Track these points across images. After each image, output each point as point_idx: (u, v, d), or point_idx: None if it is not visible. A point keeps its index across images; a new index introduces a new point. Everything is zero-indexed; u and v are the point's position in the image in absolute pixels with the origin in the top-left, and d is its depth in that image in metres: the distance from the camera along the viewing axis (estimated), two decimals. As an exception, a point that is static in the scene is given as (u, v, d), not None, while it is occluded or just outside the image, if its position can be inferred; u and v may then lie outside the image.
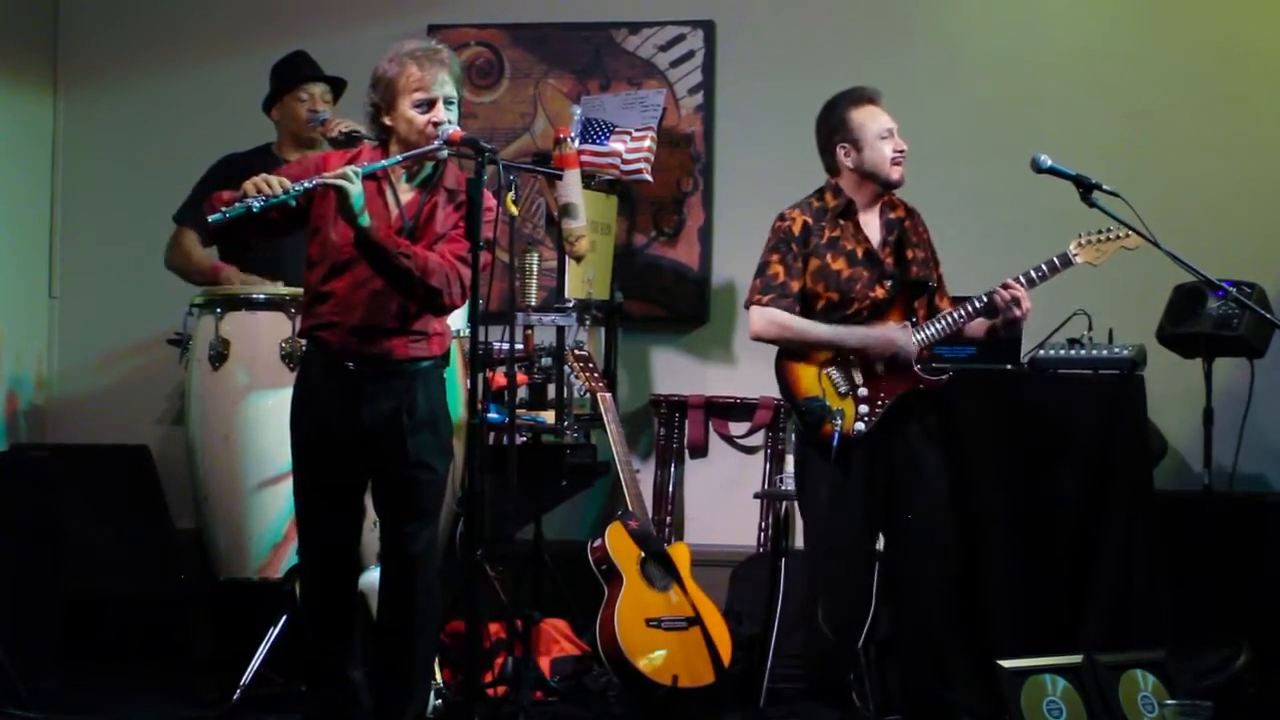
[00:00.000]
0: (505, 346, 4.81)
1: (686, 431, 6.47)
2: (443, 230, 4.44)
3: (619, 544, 5.37)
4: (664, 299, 6.54)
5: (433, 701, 4.87)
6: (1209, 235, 5.87)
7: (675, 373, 6.54)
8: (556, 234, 5.95)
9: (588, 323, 6.17)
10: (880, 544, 4.98)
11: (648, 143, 6.17)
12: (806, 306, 4.92)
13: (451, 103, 4.43)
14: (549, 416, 5.85)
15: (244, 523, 5.27)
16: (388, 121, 4.44)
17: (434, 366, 4.50)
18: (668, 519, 6.39)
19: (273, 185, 4.23)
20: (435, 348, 4.50)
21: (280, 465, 4.92)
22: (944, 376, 4.94)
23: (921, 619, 4.89)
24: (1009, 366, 5.48)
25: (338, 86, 5.75)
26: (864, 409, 4.86)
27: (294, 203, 4.29)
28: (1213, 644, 5.21)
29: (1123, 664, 4.81)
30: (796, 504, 5.20)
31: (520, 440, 5.69)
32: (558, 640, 5.68)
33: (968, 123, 6.30)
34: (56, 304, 6.86)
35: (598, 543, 5.38)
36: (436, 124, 4.38)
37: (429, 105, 4.40)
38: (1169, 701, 4.69)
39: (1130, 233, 4.68)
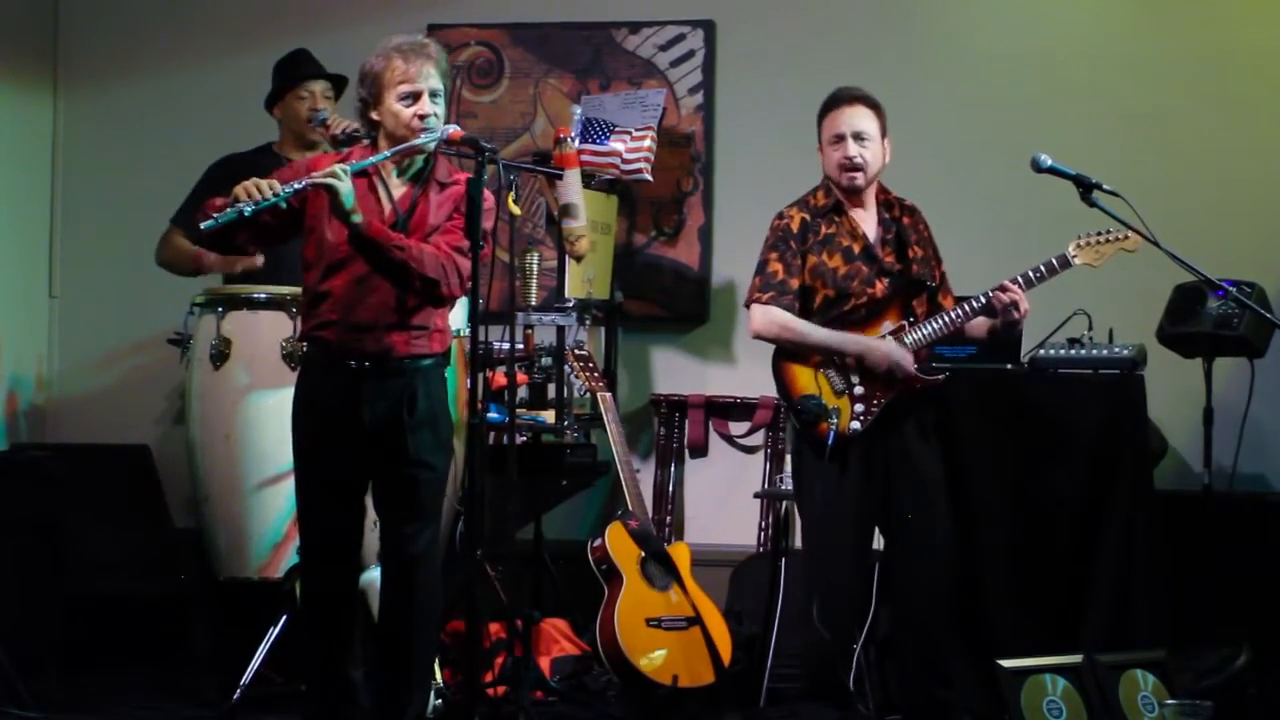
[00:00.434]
0: (505, 346, 4.82)
1: (686, 431, 6.47)
2: (436, 222, 4.44)
3: (619, 544, 5.37)
4: (664, 299, 6.54)
5: (433, 701, 4.87)
6: (1209, 235, 5.87)
7: (675, 373, 6.54)
8: (556, 234, 5.95)
9: (588, 322, 6.17)
10: (879, 544, 4.99)
11: (648, 142, 6.17)
12: (805, 303, 4.93)
13: (438, 95, 4.43)
14: (549, 416, 5.85)
15: (244, 522, 5.27)
16: (375, 116, 4.45)
17: (434, 365, 4.51)
18: (668, 519, 6.39)
19: (263, 189, 4.24)
20: (436, 345, 4.50)
21: (281, 465, 4.91)
22: (941, 376, 4.95)
23: (920, 619, 4.90)
24: (1009, 366, 5.48)
25: (339, 84, 5.75)
26: (859, 408, 4.87)
27: (285, 205, 4.29)
28: (1213, 644, 5.21)
29: (1123, 664, 4.81)
30: (795, 503, 5.21)
31: (520, 440, 5.69)
32: (558, 640, 5.68)
33: (968, 123, 6.30)
34: (56, 304, 6.86)
35: (598, 543, 5.38)
36: (422, 116, 4.39)
37: (414, 98, 4.40)
38: (1169, 701, 4.69)
39: (1130, 234, 4.68)
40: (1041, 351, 5.45)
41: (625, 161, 6.13)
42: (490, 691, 5.00)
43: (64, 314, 6.86)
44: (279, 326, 5.29)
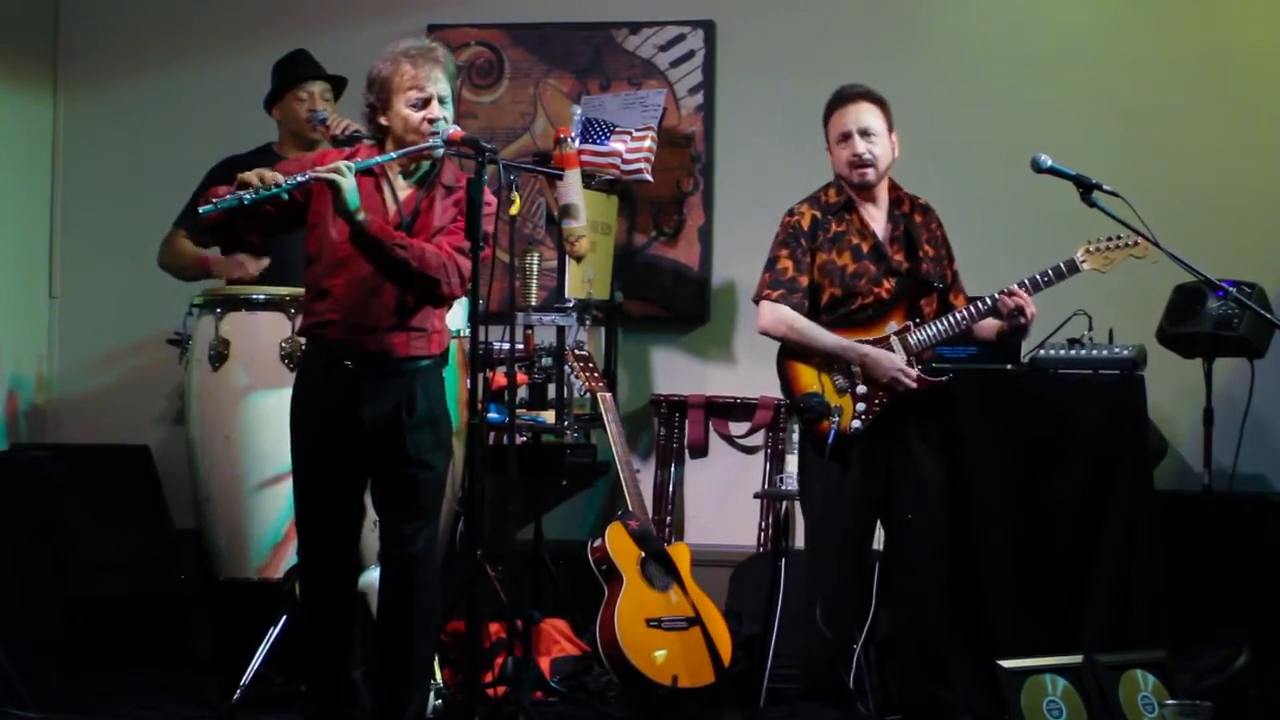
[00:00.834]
0: (505, 346, 4.82)
1: (686, 431, 6.47)
2: (440, 225, 4.44)
3: (619, 544, 5.37)
4: (664, 299, 6.54)
5: (433, 701, 4.87)
6: (1209, 235, 5.87)
7: (675, 373, 6.53)
8: (556, 234, 5.96)
9: (588, 323, 6.17)
10: (880, 543, 4.99)
11: (648, 143, 6.17)
12: (813, 300, 4.94)
13: (446, 100, 4.45)
14: (549, 416, 5.85)
15: (244, 523, 5.27)
16: (384, 121, 4.45)
17: (433, 365, 4.51)
18: (668, 519, 6.39)
19: (265, 179, 4.25)
20: (434, 346, 4.51)
21: (280, 465, 4.91)
22: (944, 378, 4.95)
23: (921, 619, 4.90)
24: (1009, 366, 5.48)
25: (338, 85, 5.75)
26: (861, 407, 4.87)
27: (287, 196, 4.30)
28: (1213, 644, 5.21)
29: (1123, 664, 4.81)
30: (797, 503, 5.21)
31: (520, 440, 5.69)
32: (558, 640, 5.68)
33: (967, 123, 6.30)
34: (56, 304, 6.86)
35: (598, 543, 5.39)
36: (431, 121, 4.40)
37: (424, 103, 4.41)
38: (1169, 701, 4.69)
39: (1140, 240, 4.65)
40: (1042, 352, 5.45)
41: (625, 162, 6.13)
42: (490, 691, 5.00)
43: (64, 314, 6.86)
44: (278, 327, 5.29)
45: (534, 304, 5.93)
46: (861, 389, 4.87)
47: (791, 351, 4.96)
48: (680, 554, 5.48)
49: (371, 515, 4.57)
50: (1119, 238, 4.80)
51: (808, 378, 4.92)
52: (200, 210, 4.31)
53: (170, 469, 6.22)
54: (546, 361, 5.89)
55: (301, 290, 4.65)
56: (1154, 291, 5.62)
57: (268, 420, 5.10)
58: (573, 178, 5.85)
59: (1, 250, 6.60)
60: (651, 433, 6.51)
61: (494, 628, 5.38)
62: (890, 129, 4.96)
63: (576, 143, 6.04)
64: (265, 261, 5.50)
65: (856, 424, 4.86)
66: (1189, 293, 5.54)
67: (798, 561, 5.41)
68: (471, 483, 4.48)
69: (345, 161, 4.35)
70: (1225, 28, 6.24)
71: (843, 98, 4.97)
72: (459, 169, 4.58)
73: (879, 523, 4.94)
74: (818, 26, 6.46)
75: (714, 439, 6.51)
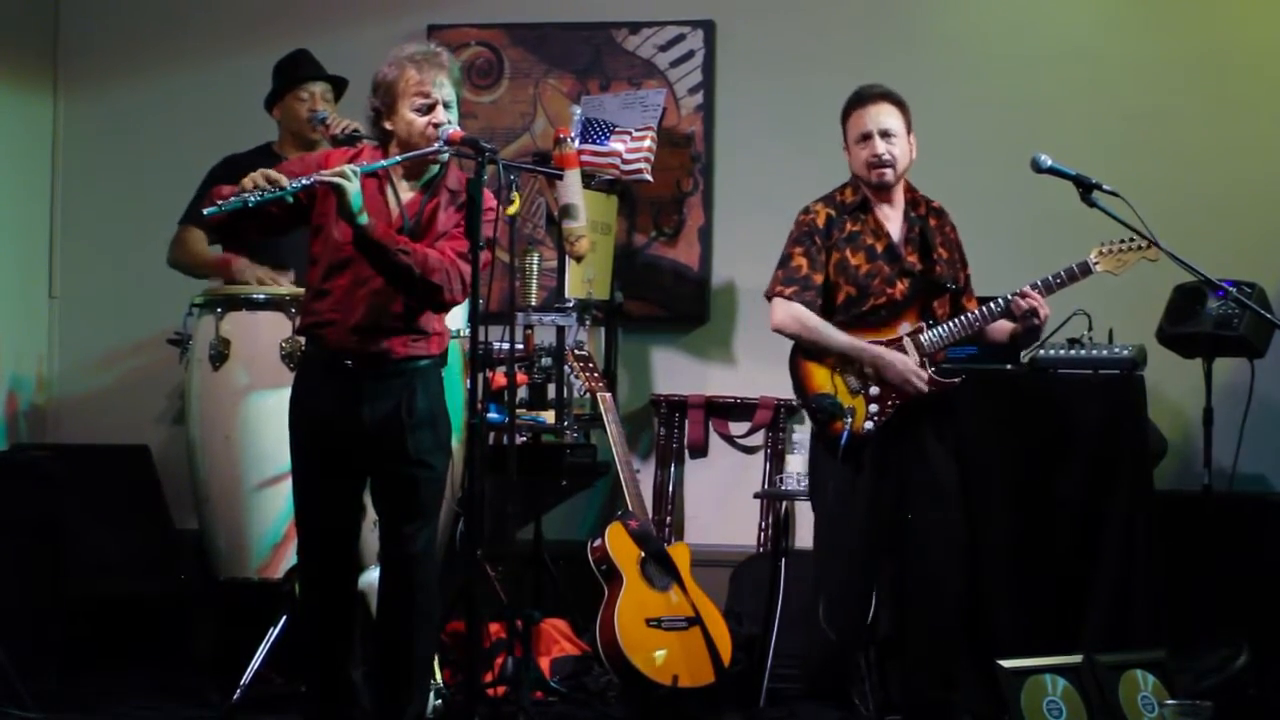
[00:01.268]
0: (505, 346, 4.82)
1: (686, 431, 6.47)
2: (444, 230, 4.45)
3: (619, 544, 5.37)
4: (664, 299, 6.54)
5: (433, 701, 4.87)
6: (1209, 235, 5.87)
7: (675, 373, 6.53)
8: (556, 234, 5.96)
9: (588, 323, 6.17)
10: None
11: (648, 143, 6.17)
12: (827, 299, 4.92)
13: (451, 105, 4.45)
14: (549, 416, 5.85)
15: (244, 523, 5.27)
16: (389, 125, 4.45)
17: (432, 366, 4.51)
18: (668, 519, 6.39)
19: (271, 181, 4.25)
20: (434, 347, 4.51)
21: (280, 465, 4.91)
22: (956, 380, 4.92)
23: (932, 621, 4.86)
24: (1009, 366, 5.48)
25: (339, 85, 5.75)
26: (874, 408, 4.85)
27: (291, 199, 4.30)
28: (1213, 644, 5.22)
29: (1123, 664, 4.81)
30: (797, 503, 5.20)
31: (520, 440, 5.69)
32: (558, 640, 5.68)
33: (968, 123, 6.29)
34: (56, 304, 6.86)
35: (598, 543, 5.38)
36: (436, 125, 4.40)
37: (429, 108, 4.41)
38: (1169, 701, 4.69)
39: (1151, 244, 4.64)
40: (1042, 351, 5.45)
41: (625, 162, 6.13)
42: (490, 692, 5.00)
43: (64, 314, 6.86)
44: (278, 327, 5.29)
45: (534, 304, 5.93)
46: (874, 390, 4.86)
47: (805, 351, 4.94)
48: (680, 554, 5.48)
49: (371, 515, 4.57)
50: (1131, 240, 4.76)
51: (820, 378, 4.91)
52: (205, 212, 4.32)
53: (170, 469, 6.22)
54: (546, 361, 5.89)
55: (301, 290, 4.65)
56: (1154, 291, 5.62)
57: (268, 420, 5.09)
58: (572, 178, 5.85)
59: (1, 250, 6.60)
60: (651, 433, 6.51)
61: (494, 628, 5.38)
62: (909, 130, 4.96)
63: (576, 143, 6.04)
64: (292, 274, 5.49)
65: (869, 425, 4.85)
66: (1189, 293, 5.54)
67: (798, 562, 5.41)
68: (471, 483, 4.48)
69: (350, 165, 4.35)
70: (1225, 28, 6.25)
71: (863, 98, 4.95)
72: (463, 173, 4.58)
73: (890, 524, 4.92)
74: (818, 26, 6.46)
75: (714, 439, 6.51)
